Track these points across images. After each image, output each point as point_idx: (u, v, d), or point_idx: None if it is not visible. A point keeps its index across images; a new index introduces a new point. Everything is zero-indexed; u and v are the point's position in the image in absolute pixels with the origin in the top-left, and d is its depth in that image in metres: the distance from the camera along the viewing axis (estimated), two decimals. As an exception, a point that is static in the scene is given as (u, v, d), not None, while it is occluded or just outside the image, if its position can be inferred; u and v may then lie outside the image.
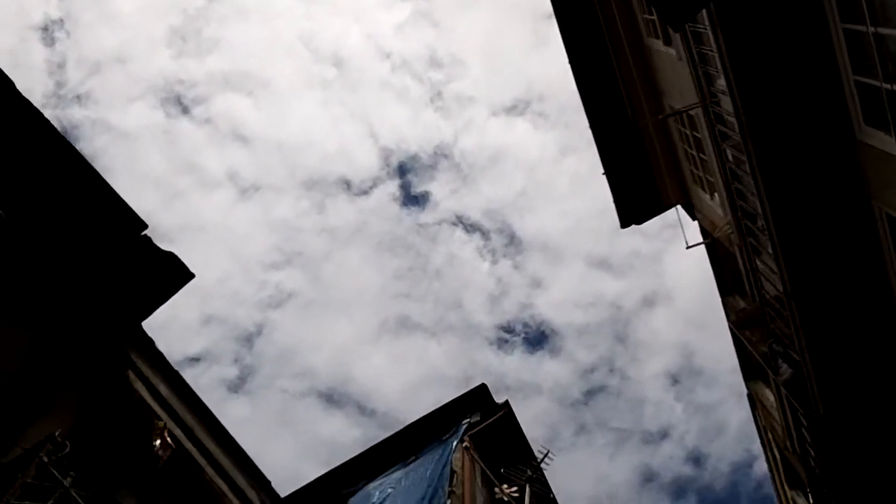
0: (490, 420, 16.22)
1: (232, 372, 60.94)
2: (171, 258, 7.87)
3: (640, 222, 17.74)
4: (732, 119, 9.11)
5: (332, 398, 65.13)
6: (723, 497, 59.95)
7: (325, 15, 67.40)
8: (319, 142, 67.09)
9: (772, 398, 16.75)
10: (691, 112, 13.99)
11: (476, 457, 14.83)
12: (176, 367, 8.39)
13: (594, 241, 67.39)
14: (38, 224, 7.20)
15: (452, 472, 13.87)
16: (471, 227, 72.27)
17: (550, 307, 69.03)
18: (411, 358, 64.15)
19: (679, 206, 17.26)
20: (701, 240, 17.34)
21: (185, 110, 66.22)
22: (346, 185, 66.72)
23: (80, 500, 5.85)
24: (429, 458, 15.46)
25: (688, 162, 15.93)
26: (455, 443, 14.83)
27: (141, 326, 8.10)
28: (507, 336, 65.16)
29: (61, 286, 7.37)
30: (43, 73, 50.69)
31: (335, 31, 67.54)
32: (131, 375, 7.72)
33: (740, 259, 12.99)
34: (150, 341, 8.19)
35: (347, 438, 58.66)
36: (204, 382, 54.68)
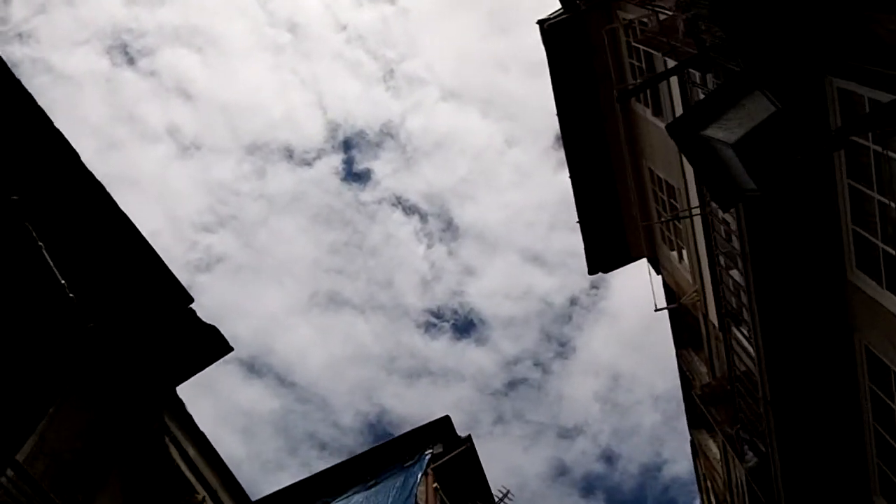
0: (452, 454, 16.87)
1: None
2: (213, 331, 8.37)
3: (606, 270, 18.56)
4: (731, 232, 9.90)
5: (254, 367, 65.17)
6: (630, 498, 61.88)
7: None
8: (266, 107, 66.84)
9: (714, 450, 17.76)
10: (674, 183, 14.81)
11: (441, 493, 15.51)
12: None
13: (530, 235, 68.47)
14: (96, 301, 7.61)
15: (417, 504, 14.52)
16: (409, 209, 72.95)
17: (481, 296, 70.14)
18: (337, 333, 64.53)
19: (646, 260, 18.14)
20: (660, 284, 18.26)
21: (131, 60, 65.57)
22: (289, 153, 66.70)
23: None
24: (390, 483, 16.06)
25: (659, 220, 16.73)
26: (420, 474, 15.46)
27: (174, 390, 8.58)
28: (435, 321, 66.07)
29: (110, 358, 7.81)
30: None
31: (293, -5, 66.83)
32: (167, 441, 8.20)
33: (713, 344, 13.85)
34: (181, 404, 8.66)
35: (265, 409, 58.80)
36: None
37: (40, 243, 6.73)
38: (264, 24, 64.58)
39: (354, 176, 69.85)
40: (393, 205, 67.70)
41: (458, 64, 68.66)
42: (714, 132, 6.21)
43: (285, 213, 64.30)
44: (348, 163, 69.38)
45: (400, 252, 66.28)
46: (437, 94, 70.39)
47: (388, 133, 70.43)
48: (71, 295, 6.96)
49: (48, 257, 6.78)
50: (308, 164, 65.64)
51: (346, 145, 74.02)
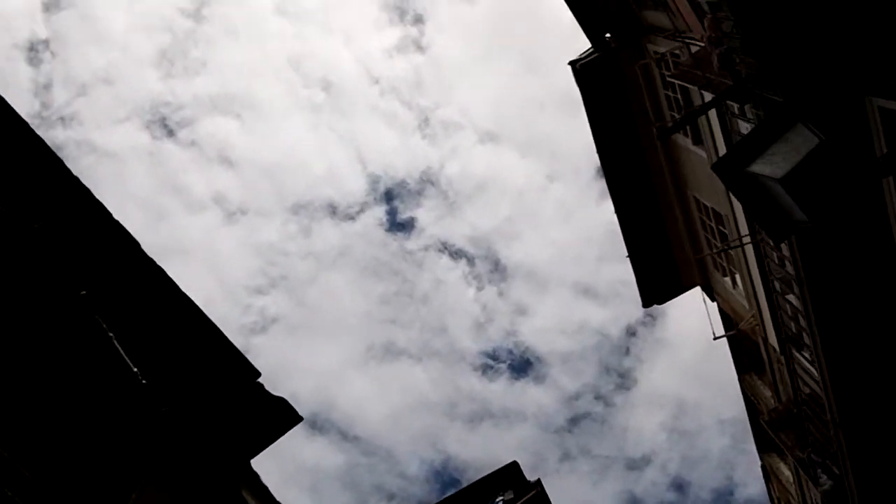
0: (523, 499, 16.81)
1: (214, 402, 60.76)
2: (282, 403, 8.50)
3: (661, 302, 18.48)
4: (784, 258, 9.89)
5: (316, 424, 65.28)
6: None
7: (313, 38, 68.21)
8: (307, 166, 67.62)
9: (787, 473, 17.51)
10: (721, 210, 14.78)
11: (515, 540, 15.47)
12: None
13: (580, 268, 68.21)
14: (167, 384, 7.80)
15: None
16: (456, 254, 73.05)
17: (535, 334, 69.74)
18: (396, 383, 64.54)
19: (699, 288, 18.04)
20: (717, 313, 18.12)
21: (171, 133, 67.10)
22: (333, 209, 67.43)
23: None
24: (464, 534, 16.09)
25: (709, 249, 16.66)
26: (492, 523, 15.46)
27: (249, 464, 8.72)
28: (491, 362, 65.91)
29: (185, 439, 7.97)
30: (28, 93, 50.85)
31: (324, 55, 68.26)
32: (245, 515, 8.33)
33: (775, 368, 13.73)
34: (257, 476, 8.79)
35: (331, 465, 58.92)
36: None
37: (111, 334, 6.94)
38: (299, 85, 65.76)
39: (399, 226, 70.45)
40: (439, 251, 67.98)
41: (493, 106, 69.10)
42: (760, 168, 6.25)
43: (334, 269, 64.82)
44: (392, 213, 70.08)
45: (450, 297, 66.35)
46: (474, 138, 70.74)
47: (428, 180, 70.98)
48: (144, 381, 7.14)
49: (119, 347, 6.97)
50: (352, 218, 66.34)
51: (388, 196, 74.76)
